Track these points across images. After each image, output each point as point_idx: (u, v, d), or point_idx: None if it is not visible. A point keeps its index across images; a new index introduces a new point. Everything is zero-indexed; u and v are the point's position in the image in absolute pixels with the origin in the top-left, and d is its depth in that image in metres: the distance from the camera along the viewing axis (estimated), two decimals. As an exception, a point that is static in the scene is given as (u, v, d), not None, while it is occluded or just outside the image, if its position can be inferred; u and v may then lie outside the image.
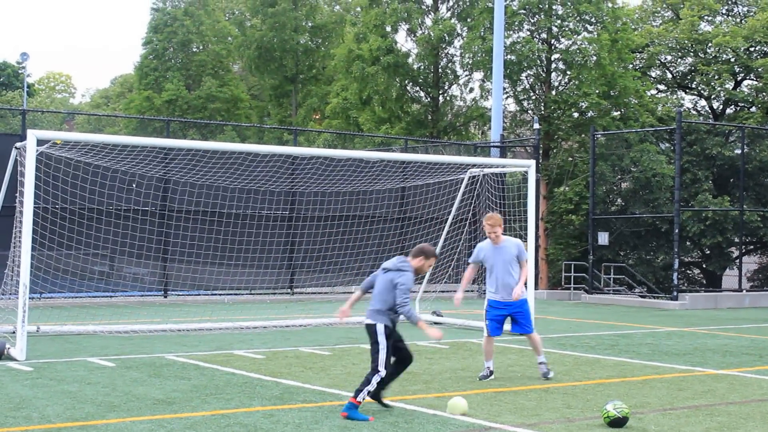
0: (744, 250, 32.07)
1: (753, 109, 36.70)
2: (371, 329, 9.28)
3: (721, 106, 38.15)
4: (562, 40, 35.83)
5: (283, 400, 9.69)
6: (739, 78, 37.30)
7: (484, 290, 12.09)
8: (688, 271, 35.98)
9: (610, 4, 35.58)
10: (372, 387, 9.04)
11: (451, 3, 39.95)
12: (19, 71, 73.61)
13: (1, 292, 14.83)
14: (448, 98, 40.59)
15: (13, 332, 13.14)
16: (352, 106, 40.46)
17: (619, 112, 35.67)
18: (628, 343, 15.90)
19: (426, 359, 12.82)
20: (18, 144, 13.97)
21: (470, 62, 37.87)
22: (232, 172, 21.99)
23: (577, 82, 35.17)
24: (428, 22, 39.82)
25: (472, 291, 26.90)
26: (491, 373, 11.40)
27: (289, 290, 25.53)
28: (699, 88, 37.81)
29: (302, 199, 25.41)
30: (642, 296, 28.84)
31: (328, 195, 24.92)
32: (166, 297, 23.56)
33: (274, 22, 51.95)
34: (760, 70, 35.45)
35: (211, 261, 23.08)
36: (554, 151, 37.06)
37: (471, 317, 17.75)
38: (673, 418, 9.13)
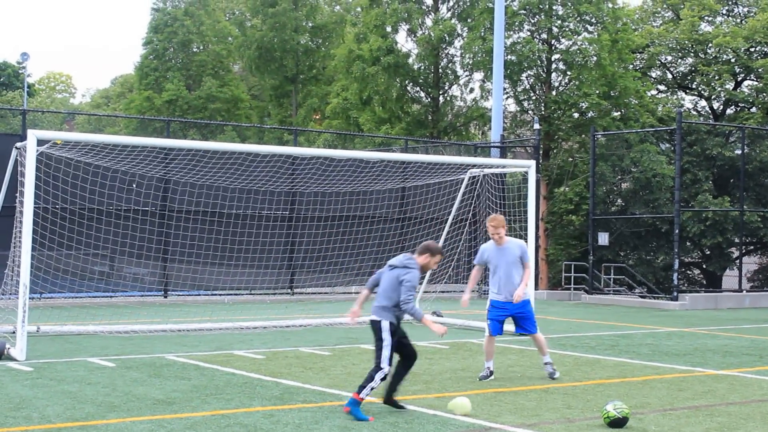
0: (744, 251, 32.08)
1: (753, 109, 36.71)
2: (376, 326, 9.27)
3: (722, 107, 38.17)
4: (563, 40, 35.84)
5: (283, 401, 9.69)
6: (739, 78, 37.31)
7: (485, 291, 12.09)
8: (689, 272, 36.01)
9: (610, 5, 35.59)
10: (375, 384, 9.03)
11: (451, 3, 39.95)
12: (20, 71, 73.63)
13: (1, 292, 14.83)
14: (448, 98, 40.59)
15: (13, 332, 13.14)
16: (352, 106, 40.46)
17: (619, 113, 35.68)
18: (629, 343, 15.90)
19: (426, 359, 12.82)
20: (18, 144, 13.96)
21: (470, 62, 37.87)
22: (232, 172, 21.98)
23: (577, 83, 35.18)
24: (428, 22, 39.83)
25: (472, 291, 26.91)
26: (491, 373, 11.41)
27: (289, 290, 25.53)
28: (699, 89, 37.82)
29: (302, 199, 25.41)
30: (642, 297, 28.85)
31: (328, 195, 24.92)
32: (166, 297, 23.56)
33: (274, 22, 51.95)
34: (760, 70, 35.47)
35: (211, 261, 23.09)
36: (554, 151, 37.07)
37: (471, 317, 17.75)
38: (674, 419, 9.12)
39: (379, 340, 9.22)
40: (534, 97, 36.97)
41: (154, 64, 55.38)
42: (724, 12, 38.67)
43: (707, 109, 38.63)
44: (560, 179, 35.29)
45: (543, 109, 35.95)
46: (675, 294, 26.51)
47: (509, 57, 34.05)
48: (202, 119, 50.31)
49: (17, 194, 13.49)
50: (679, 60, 38.19)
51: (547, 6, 35.22)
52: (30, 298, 13.23)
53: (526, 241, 13.23)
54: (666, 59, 38.28)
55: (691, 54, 37.24)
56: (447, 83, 40.10)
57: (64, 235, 20.18)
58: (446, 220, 20.17)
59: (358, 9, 44.27)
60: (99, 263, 22.21)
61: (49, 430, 8.19)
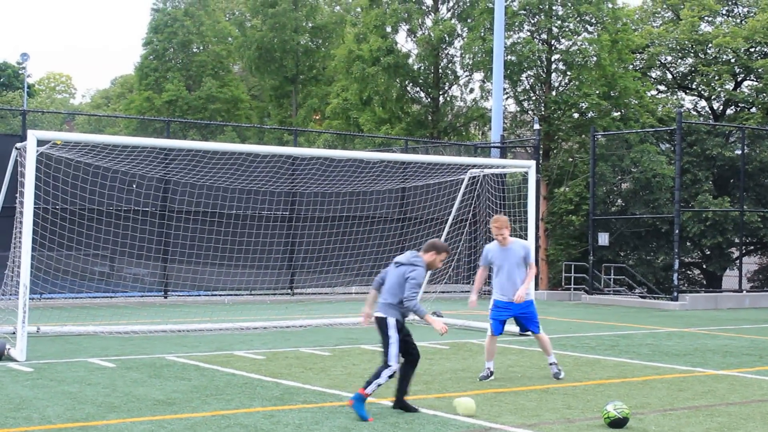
0: (744, 251, 32.08)
1: (753, 109, 36.71)
2: (382, 323, 9.26)
3: (722, 107, 38.17)
4: (563, 40, 35.84)
5: (284, 401, 9.69)
6: (739, 78, 37.32)
7: (485, 291, 12.09)
8: (689, 272, 36.01)
9: (610, 5, 35.58)
10: (382, 380, 9.02)
11: (451, 3, 39.95)
12: (20, 72, 73.65)
13: (1, 293, 14.83)
14: (448, 99, 40.59)
15: (14, 333, 13.14)
16: (352, 106, 40.47)
17: (619, 113, 35.68)
18: (629, 343, 15.90)
19: (426, 360, 12.81)
20: (18, 144, 13.97)
21: (470, 63, 37.87)
22: (232, 172, 21.98)
23: (577, 83, 35.18)
24: (428, 22, 39.84)
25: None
26: (491, 373, 11.41)
27: (289, 291, 25.53)
28: (699, 89, 37.82)
29: (302, 199, 25.41)
30: (642, 297, 28.85)
31: (328, 195, 24.93)
32: (166, 297, 23.56)
33: (274, 22, 51.95)
34: (760, 70, 35.47)
35: (211, 261, 23.09)
36: (554, 151, 37.07)
37: (471, 318, 17.75)
38: (674, 419, 9.13)
39: (385, 337, 9.20)
40: (534, 98, 36.97)
41: (154, 64, 55.38)
42: (724, 12, 38.67)
43: (707, 109, 38.63)
44: (560, 179, 35.29)
45: (543, 109, 35.95)
46: (675, 294, 26.52)
47: (509, 57, 34.05)
48: (202, 120, 50.31)
49: (17, 195, 13.50)
50: (679, 60, 38.19)
51: (547, 6, 35.22)
52: (30, 299, 13.23)
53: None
54: (666, 59, 38.29)
55: (691, 54, 37.25)
56: (447, 83, 40.10)
57: (64, 235, 20.18)
58: (446, 221, 20.18)
59: (358, 9, 44.27)
60: (99, 264, 22.21)
61: (49, 430, 8.19)
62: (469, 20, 38.30)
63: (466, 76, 39.70)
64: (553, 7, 35.54)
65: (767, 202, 32.48)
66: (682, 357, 14.07)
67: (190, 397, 9.74)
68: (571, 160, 36.08)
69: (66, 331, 15.39)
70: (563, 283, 31.48)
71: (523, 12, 35.45)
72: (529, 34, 36.02)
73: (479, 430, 8.51)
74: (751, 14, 37.58)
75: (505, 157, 29.56)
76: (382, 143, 37.54)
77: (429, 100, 40.51)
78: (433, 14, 39.76)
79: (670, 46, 36.97)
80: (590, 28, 35.73)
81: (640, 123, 33.99)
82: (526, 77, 36.56)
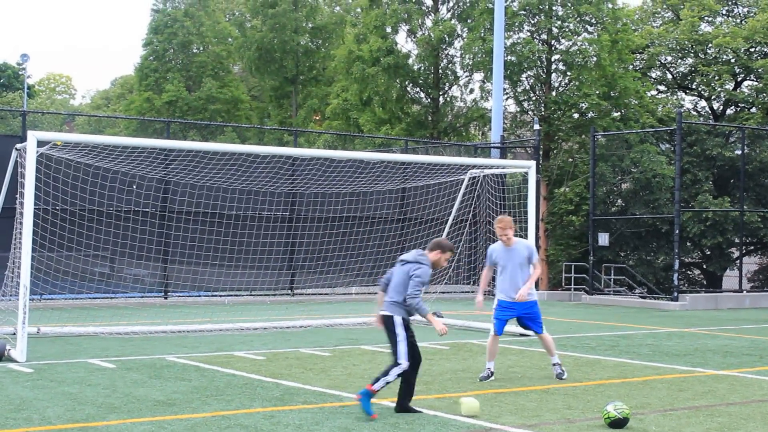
0: (744, 251, 32.09)
1: (753, 109, 36.71)
2: (389, 321, 9.26)
3: (722, 107, 38.17)
4: (563, 40, 35.85)
5: (284, 401, 9.69)
6: (739, 79, 37.32)
7: (486, 291, 12.10)
8: (689, 272, 36.01)
9: (610, 5, 35.58)
10: (391, 378, 9.01)
11: (451, 4, 39.95)
12: (20, 72, 73.65)
13: (1, 294, 14.83)
14: (448, 99, 40.59)
15: (14, 334, 13.14)
16: (352, 107, 40.47)
17: (619, 113, 35.68)
18: (629, 343, 15.90)
19: (426, 360, 12.79)
20: (18, 145, 13.97)
21: (470, 63, 37.87)
22: (232, 173, 21.99)
23: (577, 83, 35.18)
24: (428, 23, 39.84)
25: (472, 292, 26.91)
26: (492, 374, 11.41)
27: (289, 291, 25.53)
28: (699, 89, 37.82)
29: (302, 200, 25.41)
30: (642, 297, 28.85)
31: (328, 196, 24.93)
32: (166, 298, 23.56)
33: (274, 23, 51.96)
34: (760, 70, 35.47)
35: (211, 262, 23.09)
36: (554, 151, 37.08)
37: (471, 318, 17.75)
38: (674, 419, 9.13)
39: (392, 335, 9.20)
40: (534, 98, 36.97)
41: (154, 65, 55.38)
42: (724, 12, 38.68)
43: (707, 109, 38.63)
44: (560, 180, 35.29)
45: (543, 109, 35.95)
46: (675, 294, 26.52)
47: (509, 57, 34.05)
48: (202, 120, 50.32)
49: (17, 195, 13.50)
50: (679, 60, 38.19)
51: (546, 6, 35.22)
52: (30, 300, 13.23)
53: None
54: (666, 59, 38.29)
55: (691, 54, 37.25)
56: (447, 84, 40.10)
57: (65, 236, 20.18)
58: (446, 221, 20.18)
59: (358, 10, 44.28)
60: (99, 264, 22.21)
61: (49, 431, 8.19)
62: (469, 20, 38.30)
63: (466, 76, 39.74)
64: (553, 8, 35.54)
65: (767, 202, 32.48)
66: (682, 357, 14.06)
67: (190, 398, 9.74)
68: (571, 160, 36.09)
69: (66, 331, 15.39)
70: (563, 284, 31.49)
71: (523, 12, 35.45)
72: (529, 34, 36.02)
73: (479, 431, 8.51)
74: (751, 14, 37.58)
75: (505, 158, 29.56)
76: (382, 144, 37.54)
77: (429, 100, 40.52)
78: (433, 14, 39.76)
79: (670, 46, 36.97)
80: (590, 29, 35.74)
81: (640, 123, 34.00)
82: (526, 77, 36.57)
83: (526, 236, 17.11)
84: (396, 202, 27.06)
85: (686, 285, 34.46)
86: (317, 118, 52.80)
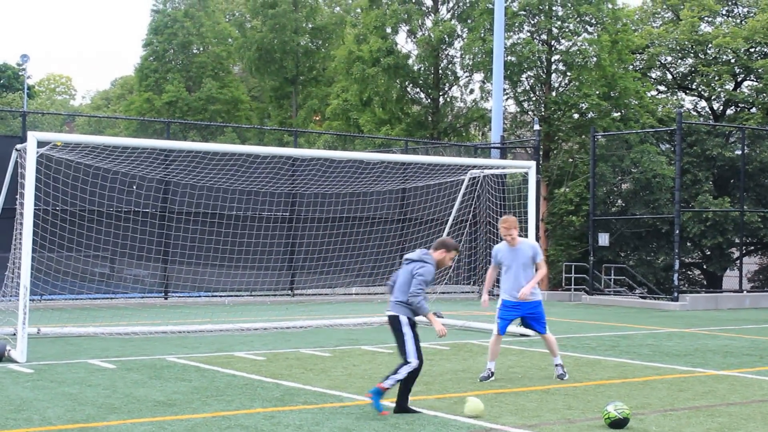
0: (744, 251, 32.08)
1: (753, 110, 36.70)
2: (394, 321, 9.26)
3: (722, 107, 38.16)
4: (563, 41, 35.83)
5: (284, 402, 9.69)
6: (739, 79, 37.30)
7: (483, 290, 12.10)
8: (689, 272, 35.99)
9: (610, 5, 35.57)
10: (400, 376, 9.03)
11: (451, 4, 39.95)
12: (20, 73, 73.65)
13: (1, 294, 14.83)
14: (448, 99, 40.58)
15: (14, 334, 13.14)
16: (352, 107, 40.46)
17: (619, 113, 35.66)
18: (629, 344, 15.90)
19: (427, 360, 12.75)
20: (18, 146, 13.97)
21: (470, 63, 37.86)
22: (232, 173, 22.00)
23: (577, 83, 35.17)
24: (428, 23, 39.83)
25: (472, 292, 26.92)
26: (492, 374, 11.41)
27: (289, 292, 25.54)
28: (699, 89, 37.81)
29: (302, 200, 25.41)
30: (642, 297, 28.85)
31: (328, 196, 24.93)
32: (166, 299, 23.57)
33: (274, 23, 51.97)
34: (760, 71, 35.46)
35: (211, 262, 23.10)
36: (554, 152, 37.06)
37: (471, 318, 17.75)
38: (674, 419, 9.13)
39: (399, 334, 9.21)
40: (534, 98, 36.96)
41: (154, 65, 55.38)
42: (724, 12, 38.66)
43: (707, 109, 38.62)
44: (560, 180, 35.28)
45: (543, 109, 35.94)
46: (675, 294, 26.52)
47: (509, 58, 34.04)
48: (202, 121, 50.32)
49: (17, 196, 13.50)
50: (679, 60, 38.17)
51: (546, 7, 35.20)
52: (30, 300, 13.23)
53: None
54: (666, 60, 38.28)
55: (691, 54, 37.24)
56: (447, 84, 40.09)
57: (65, 236, 20.19)
58: (447, 221, 20.18)
59: (358, 10, 44.25)
60: (99, 265, 22.21)
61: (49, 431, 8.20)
62: (469, 21, 38.29)
63: (466, 76, 39.72)
64: (553, 8, 35.53)
65: (767, 202, 32.47)
66: (682, 357, 14.06)
67: (190, 398, 9.74)
68: (571, 160, 36.08)
69: (66, 332, 15.39)
70: (563, 284, 31.47)
71: (523, 13, 35.44)
72: (529, 34, 36.01)
73: (480, 431, 8.51)
74: (751, 14, 37.57)
75: (505, 158, 29.56)
76: (382, 144, 37.54)
77: (429, 100, 40.51)
78: (432, 15, 39.75)
79: (670, 46, 36.96)
80: (590, 29, 35.72)
81: (640, 123, 33.98)
82: (526, 78, 36.55)
83: (526, 236, 17.11)
84: (396, 202, 27.06)
85: (686, 285, 34.44)
86: (317, 118, 52.80)
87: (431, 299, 19.94)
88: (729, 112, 37.94)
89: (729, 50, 35.55)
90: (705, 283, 34.92)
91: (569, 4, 34.94)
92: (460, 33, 38.86)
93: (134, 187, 22.12)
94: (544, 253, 33.96)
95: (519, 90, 36.64)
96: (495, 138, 30.02)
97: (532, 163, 17.46)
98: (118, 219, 21.85)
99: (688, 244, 32.29)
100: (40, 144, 13.32)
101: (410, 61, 39.41)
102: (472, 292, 26.86)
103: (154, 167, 20.52)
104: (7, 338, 13.44)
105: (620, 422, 8.56)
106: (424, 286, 9.21)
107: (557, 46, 36.13)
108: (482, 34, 36.08)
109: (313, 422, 8.66)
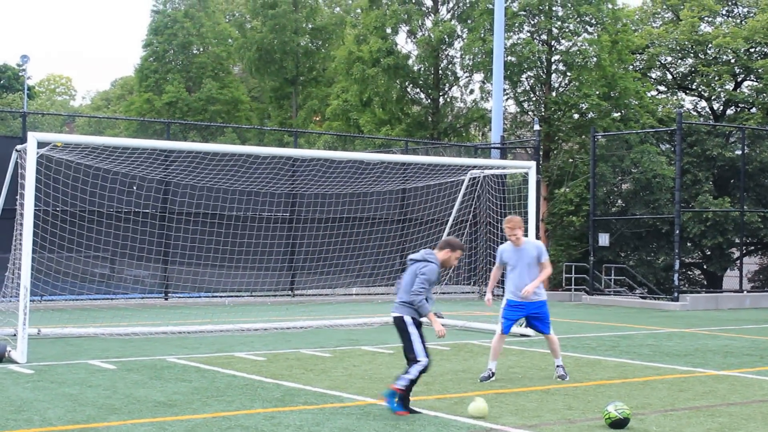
0: (745, 251, 32.08)
1: (753, 110, 36.69)
2: (400, 322, 9.27)
3: (722, 107, 38.16)
4: (563, 41, 35.83)
5: (284, 402, 9.69)
6: (739, 79, 37.30)
7: (487, 289, 12.11)
8: (689, 272, 35.99)
9: (610, 6, 35.57)
10: (413, 375, 9.04)
11: (451, 4, 39.94)
12: (20, 73, 73.65)
13: (1, 295, 14.83)
14: (448, 100, 40.58)
15: (14, 335, 13.14)
16: (352, 107, 40.47)
17: (619, 114, 35.66)
18: (629, 344, 15.90)
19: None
20: (18, 146, 13.97)
21: (470, 64, 37.86)
22: (232, 174, 22.00)
23: (577, 84, 35.17)
24: (428, 23, 39.82)
25: (472, 292, 26.92)
26: (492, 374, 11.40)
27: (289, 292, 25.54)
28: (699, 89, 37.81)
29: (303, 200, 25.42)
30: (643, 297, 28.85)
31: (328, 197, 24.93)
32: (166, 299, 23.57)
33: (274, 24, 51.96)
34: (760, 71, 35.46)
35: (211, 263, 23.10)
36: (555, 152, 37.06)
37: (472, 319, 17.75)
38: (674, 419, 9.13)
39: (405, 334, 9.22)
40: (534, 98, 36.95)
41: (154, 66, 55.37)
42: (724, 13, 38.66)
43: (707, 109, 38.62)
44: (560, 180, 35.28)
45: (543, 110, 35.94)
46: (676, 294, 26.52)
47: (509, 58, 34.04)
48: (202, 121, 50.32)
49: (17, 197, 13.50)
50: (679, 61, 38.17)
51: (546, 7, 35.20)
52: (31, 301, 13.23)
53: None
54: (666, 60, 38.28)
55: (691, 55, 37.24)
56: (447, 84, 40.09)
57: (65, 237, 20.19)
58: (447, 222, 20.18)
59: (358, 10, 44.26)
60: (99, 266, 22.22)
61: (50, 432, 8.20)
62: (469, 21, 38.29)
63: (466, 77, 39.72)
64: (553, 8, 35.53)
65: (767, 202, 32.47)
66: (682, 357, 14.07)
67: (190, 399, 9.74)
68: (571, 160, 36.07)
69: (66, 333, 15.40)
70: (564, 284, 31.47)
71: (523, 13, 35.44)
72: (529, 35, 36.01)
73: (480, 431, 8.51)
74: (751, 14, 37.57)
75: (506, 158, 29.56)
76: (382, 144, 37.54)
77: (429, 101, 40.51)
78: (432, 15, 39.75)
79: (670, 46, 36.96)
80: (590, 29, 35.72)
81: (640, 123, 33.98)
82: (526, 78, 36.55)
83: (526, 236, 17.11)
84: (396, 202, 27.06)
85: (687, 285, 34.44)
86: (317, 119, 52.80)
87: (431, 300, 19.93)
88: (729, 112, 37.94)
89: (729, 50, 35.55)
90: (705, 283, 34.92)
91: (569, 5, 34.94)
92: (460, 33, 38.86)
93: (134, 187, 22.13)
94: (545, 253, 33.99)
95: (519, 90, 36.64)
96: (495, 138, 30.02)
97: (533, 164, 17.46)
98: (119, 219, 21.86)
99: (689, 244, 32.29)
100: (40, 144, 13.32)
101: (410, 62, 39.40)
102: (472, 293, 26.86)
103: (154, 168, 20.53)
104: (7, 339, 13.44)
105: (621, 422, 8.56)
106: (427, 286, 9.21)
107: (557, 47, 36.13)
108: (482, 35, 36.08)
109: (313, 423, 8.66)
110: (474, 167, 19.70)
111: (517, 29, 35.74)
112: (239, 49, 54.38)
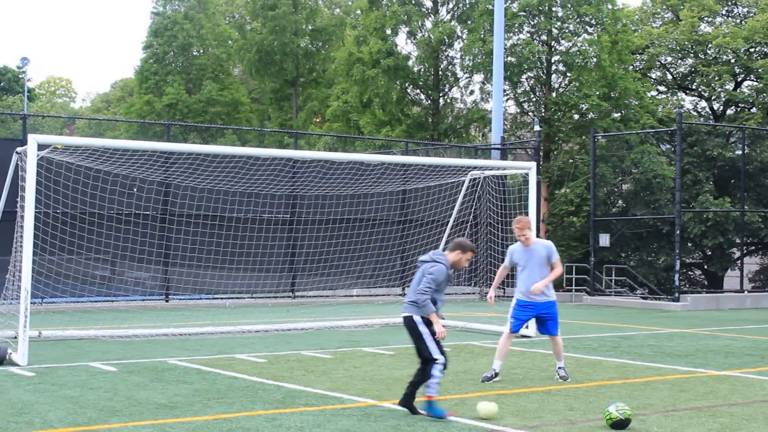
0: (745, 251, 32.07)
1: (753, 110, 36.69)
2: (409, 321, 9.28)
3: (722, 107, 38.15)
4: (562, 41, 35.81)
5: (285, 404, 9.69)
6: (739, 79, 37.30)
7: (487, 292, 12.12)
8: (690, 273, 35.98)
9: (610, 6, 35.56)
10: (438, 377, 9.06)
11: (451, 5, 39.94)
12: (20, 76, 73.66)
13: (2, 298, 14.83)
14: (448, 101, 40.58)
15: (15, 337, 13.13)
16: (352, 109, 40.47)
17: (619, 114, 35.65)
18: (630, 344, 15.90)
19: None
20: (19, 149, 13.97)
21: (470, 64, 37.86)
22: (233, 175, 22.00)
23: (577, 84, 35.16)
24: (428, 24, 39.82)
25: (473, 293, 26.91)
26: (496, 374, 11.38)
27: (290, 294, 25.53)
28: (699, 89, 37.81)
29: (303, 202, 25.41)
30: (643, 298, 28.84)
31: (329, 198, 24.93)
32: (167, 301, 23.56)
33: (274, 25, 51.97)
34: (760, 70, 35.45)
35: (212, 265, 23.10)
36: (555, 153, 37.05)
37: (472, 320, 17.74)
38: (676, 420, 9.12)
39: (416, 334, 9.24)
40: (534, 99, 36.94)
41: (154, 67, 55.39)
42: (724, 13, 38.66)
43: (707, 109, 38.61)
44: (561, 181, 35.27)
45: (543, 110, 35.93)
46: (676, 295, 26.51)
47: (509, 59, 34.03)
48: (203, 123, 50.33)
49: (18, 199, 13.49)
50: (679, 61, 38.17)
51: (546, 8, 35.19)
52: (31, 303, 13.23)
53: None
54: (666, 60, 38.27)
55: (691, 55, 37.24)
56: (447, 85, 40.08)
57: (65, 239, 20.18)
58: (447, 223, 20.17)
59: (358, 12, 44.27)
60: (100, 267, 22.21)
61: (51, 435, 8.19)
62: (468, 22, 38.29)
63: (466, 77, 39.71)
64: (553, 9, 35.52)
65: (768, 202, 32.50)
66: (683, 358, 14.06)
67: (191, 401, 9.74)
68: (571, 161, 36.06)
69: (67, 335, 15.40)
70: (564, 285, 31.45)
71: (522, 13, 35.43)
72: (528, 35, 36.00)
73: (481, 432, 8.51)
74: (751, 14, 37.57)
75: (506, 159, 29.55)
76: (382, 145, 37.54)
77: (429, 102, 40.51)
78: (432, 16, 39.75)
79: (669, 46, 36.96)
80: (590, 29, 35.70)
81: (640, 124, 33.97)
82: (526, 79, 36.54)
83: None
84: (397, 204, 27.06)
85: (687, 285, 34.42)
86: (317, 120, 52.82)
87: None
88: (729, 112, 37.93)
89: (729, 50, 35.54)
90: (706, 283, 34.91)
91: (569, 5, 34.93)
92: (459, 34, 38.86)
93: (135, 189, 22.12)
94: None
95: (519, 91, 36.63)
96: (495, 139, 30.02)
97: (533, 164, 17.46)
98: (119, 221, 21.85)
99: (689, 244, 32.28)
100: (41, 147, 13.32)
101: (410, 63, 39.40)
102: (473, 293, 26.85)
103: (154, 169, 20.52)
104: (8, 341, 13.43)
105: (622, 423, 8.56)
106: (434, 286, 9.23)
107: (557, 47, 36.12)
108: (482, 35, 36.08)
109: (314, 424, 8.66)
110: (474, 168, 19.69)
111: (516, 30, 35.73)
112: (239, 50, 54.40)
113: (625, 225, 31.43)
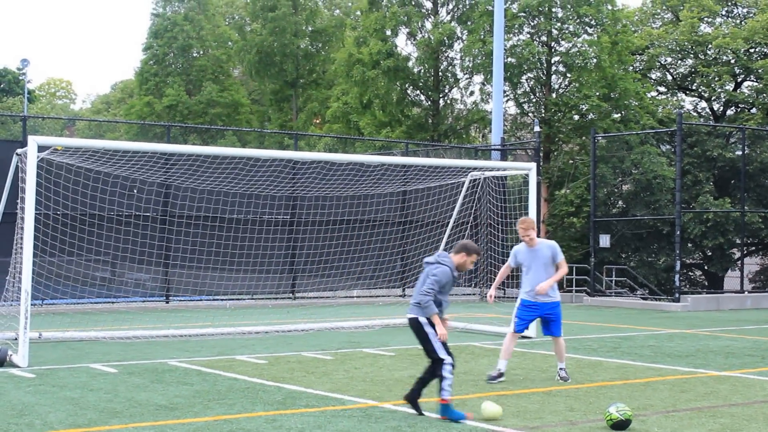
0: (745, 252, 32.07)
1: (753, 110, 36.70)
2: (415, 323, 9.29)
3: (722, 108, 38.16)
4: (562, 42, 35.82)
5: (286, 405, 9.69)
6: (739, 79, 37.31)
7: (492, 286, 12.13)
8: (690, 273, 35.98)
9: (609, 7, 35.57)
10: (449, 379, 9.04)
11: (450, 6, 39.95)
12: (20, 77, 73.68)
13: (2, 299, 14.83)
14: (448, 101, 40.58)
15: (15, 339, 13.13)
16: (352, 110, 40.47)
17: (619, 114, 35.65)
18: (631, 345, 15.89)
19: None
20: (19, 150, 13.97)
21: (470, 65, 37.87)
22: (233, 177, 22.00)
23: (577, 85, 35.17)
24: (428, 25, 39.82)
25: (473, 294, 26.90)
26: (501, 374, 11.36)
27: (290, 295, 25.53)
28: (699, 90, 37.82)
29: (303, 203, 25.40)
30: (644, 298, 28.83)
31: (329, 199, 24.93)
32: (167, 302, 23.56)
33: (274, 26, 51.97)
34: (760, 71, 35.46)
35: (212, 266, 23.10)
36: (555, 153, 37.06)
37: (473, 321, 17.74)
38: (676, 420, 9.12)
39: (421, 334, 9.24)
40: (534, 100, 36.95)
41: (154, 69, 55.40)
42: (724, 13, 38.67)
43: (707, 110, 38.62)
44: (561, 181, 35.27)
45: (543, 111, 35.94)
46: (677, 295, 26.50)
47: (509, 59, 34.04)
48: (203, 124, 50.33)
49: (18, 201, 13.50)
50: (679, 61, 38.18)
51: (546, 8, 35.20)
52: (32, 305, 13.23)
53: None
54: (666, 61, 38.29)
55: (691, 55, 37.25)
56: (447, 86, 40.09)
57: (66, 241, 20.19)
58: (448, 224, 20.17)
59: (358, 13, 44.27)
60: (100, 269, 22.21)
61: (51, 436, 8.19)
62: (468, 23, 38.29)
63: (466, 78, 39.72)
64: (553, 9, 35.52)
65: (768, 202, 32.49)
66: (684, 358, 14.06)
67: (192, 402, 9.74)
68: (571, 162, 36.07)
69: (68, 336, 15.40)
70: (564, 285, 31.46)
71: (522, 14, 35.44)
72: (528, 36, 36.01)
73: (482, 433, 8.51)
74: (751, 15, 37.58)
75: (506, 160, 29.55)
76: (382, 146, 37.54)
77: (429, 103, 40.51)
78: (432, 17, 39.76)
79: (669, 47, 36.97)
80: (590, 30, 35.71)
81: (640, 124, 33.98)
82: (526, 79, 36.55)
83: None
84: (397, 205, 27.06)
85: (688, 286, 34.42)
86: (317, 121, 52.81)
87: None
88: (729, 112, 37.94)
89: (729, 51, 35.55)
90: (706, 283, 34.91)
91: (569, 6, 34.94)
92: (459, 35, 38.87)
93: (135, 190, 22.13)
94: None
95: (519, 92, 36.64)
96: (495, 140, 30.02)
97: (533, 165, 17.46)
98: (119, 223, 21.85)
99: (689, 244, 32.28)
100: (41, 148, 13.32)
101: (410, 64, 39.41)
102: (473, 294, 26.85)
103: (154, 171, 20.52)
104: (8, 343, 13.43)
105: (622, 424, 8.56)
106: (437, 287, 9.23)
107: (557, 48, 36.13)
108: (482, 36, 36.08)
109: (315, 425, 8.66)
110: (474, 169, 19.69)
111: (516, 31, 35.74)
112: (239, 51, 54.39)
113: (626, 226, 31.43)
